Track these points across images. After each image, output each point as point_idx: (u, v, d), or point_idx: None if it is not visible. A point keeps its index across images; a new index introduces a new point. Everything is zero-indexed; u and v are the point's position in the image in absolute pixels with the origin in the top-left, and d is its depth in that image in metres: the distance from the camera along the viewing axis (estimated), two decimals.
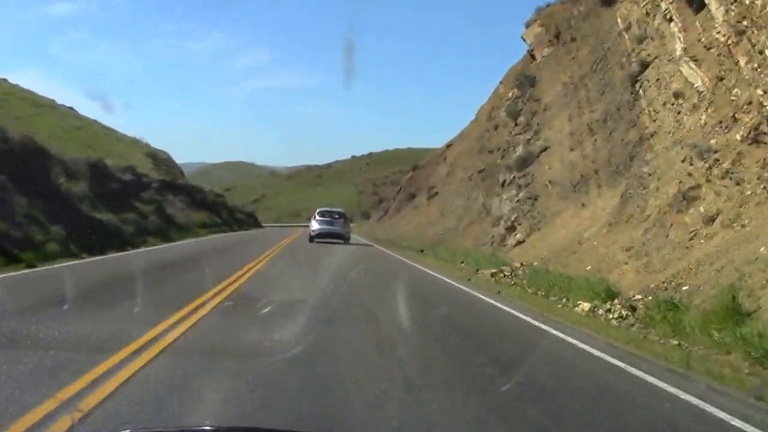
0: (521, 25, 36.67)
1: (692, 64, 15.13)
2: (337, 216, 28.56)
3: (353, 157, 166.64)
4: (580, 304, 10.90)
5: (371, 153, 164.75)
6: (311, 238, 27.33)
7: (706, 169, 12.64)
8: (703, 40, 14.91)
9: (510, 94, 34.38)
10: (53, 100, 51.93)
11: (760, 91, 11.70)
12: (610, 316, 9.84)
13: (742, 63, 12.62)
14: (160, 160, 65.83)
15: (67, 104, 56.41)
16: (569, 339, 8.06)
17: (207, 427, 2.38)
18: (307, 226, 30.28)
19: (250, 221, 62.55)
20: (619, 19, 22.29)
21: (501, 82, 41.61)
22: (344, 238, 27.75)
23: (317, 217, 27.94)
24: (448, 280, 16.14)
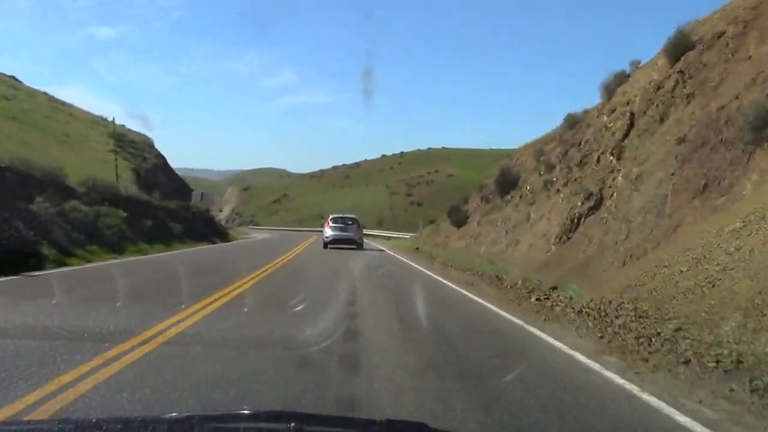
0: None
1: None
2: (350, 222, 28.95)
3: (383, 156, 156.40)
4: None
5: (403, 152, 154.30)
6: (325, 245, 27.85)
7: None
8: None
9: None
10: None
11: None
12: None
13: None
14: (127, 142, 56.63)
15: (9, 72, 49.77)
16: None
17: (245, 412, 2.43)
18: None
19: (209, 231, 52.21)
20: None
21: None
22: (357, 244, 28.38)
23: (330, 224, 28.50)
24: None
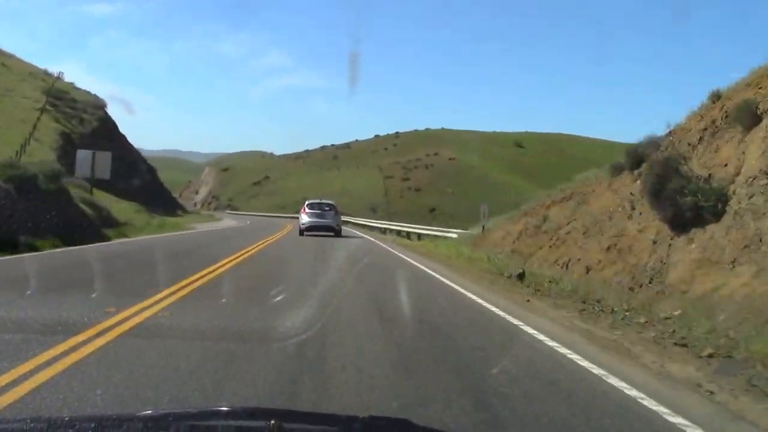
0: None
1: None
2: (327, 208, 27.97)
3: (377, 136, 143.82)
4: None
5: (398, 133, 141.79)
6: (301, 232, 26.97)
7: None
8: None
9: None
10: None
11: None
12: None
13: None
14: (67, 100, 44.73)
15: None
16: None
17: (223, 409, 2.44)
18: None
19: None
20: None
21: None
22: (335, 231, 27.41)
23: (307, 210, 27.43)
24: None
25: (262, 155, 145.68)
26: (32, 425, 1.97)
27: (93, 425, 1.94)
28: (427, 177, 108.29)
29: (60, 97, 44.08)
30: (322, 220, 27.24)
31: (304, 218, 27.19)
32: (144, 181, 50.92)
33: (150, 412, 2.32)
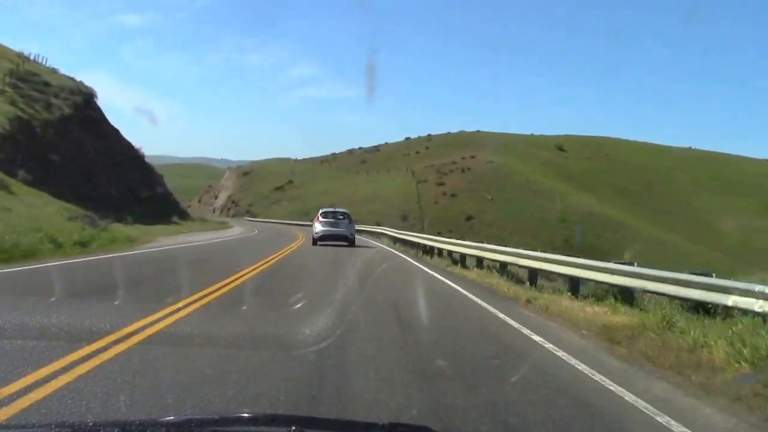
0: None
1: None
2: (341, 217, 27.92)
3: (407, 139, 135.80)
4: None
5: (430, 135, 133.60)
6: (314, 241, 26.75)
7: None
8: None
9: None
10: None
11: None
12: None
13: None
14: (36, 82, 37.70)
15: None
16: None
17: (244, 415, 2.45)
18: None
19: None
20: None
21: None
22: (349, 241, 27.13)
23: (320, 219, 27.31)
24: None
25: (286, 159, 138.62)
26: (57, 430, 2.02)
27: (117, 430, 1.97)
28: (463, 182, 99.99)
29: (26, 79, 37.03)
30: (336, 230, 26.95)
31: (318, 227, 26.94)
32: (132, 182, 43.65)
33: (172, 417, 2.37)
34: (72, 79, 44.81)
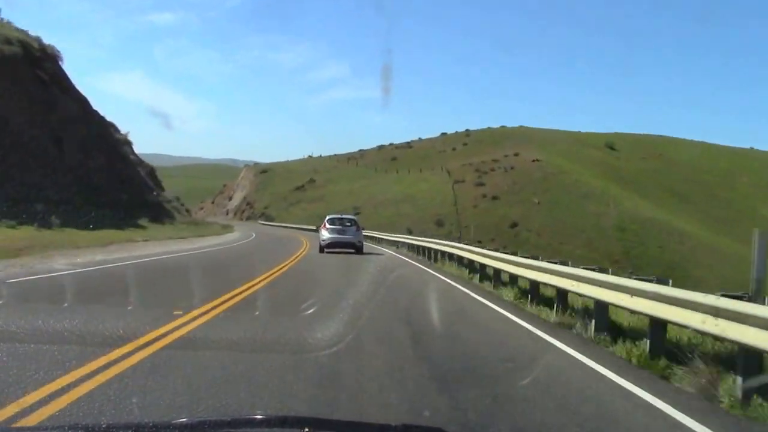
0: None
1: None
2: (348, 224, 27.52)
3: (443, 135, 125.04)
4: None
5: (468, 131, 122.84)
6: (321, 249, 26.43)
7: None
8: None
9: None
10: None
11: None
12: None
13: None
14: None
15: None
16: None
17: (257, 416, 2.51)
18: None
19: None
20: None
21: None
22: (356, 248, 26.71)
23: (327, 226, 27.00)
24: None
25: (308, 157, 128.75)
26: None
27: None
28: (506, 182, 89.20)
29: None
30: (343, 237, 26.61)
31: (325, 234, 26.59)
32: (93, 174, 33.93)
33: (185, 419, 2.39)
34: (23, 32, 35.08)
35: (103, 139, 39.79)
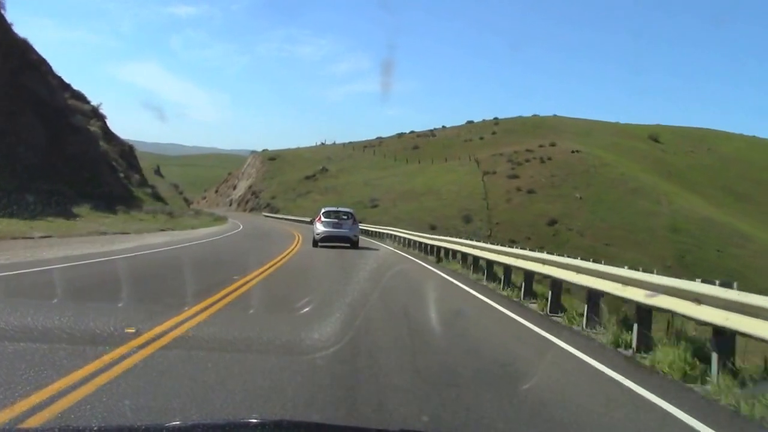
0: None
1: None
2: (345, 217, 26.68)
3: (469, 123, 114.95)
4: None
5: (497, 119, 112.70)
6: (315, 243, 25.42)
7: None
8: None
9: None
10: None
11: None
12: None
13: None
14: None
15: None
16: None
17: (252, 420, 2.47)
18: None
19: None
20: None
21: None
22: (352, 242, 25.78)
23: (322, 219, 26.13)
24: None
25: (321, 145, 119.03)
26: None
27: None
28: (543, 175, 79.21)
29: None
30: (338, 230, 25.62)
31: (319, 228, 25.60)
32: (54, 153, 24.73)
33: (178, 423, 2.40)
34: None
35: (44, 107, 30.41)
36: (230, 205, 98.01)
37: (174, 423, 2.28)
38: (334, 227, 25.40)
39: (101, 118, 43.37)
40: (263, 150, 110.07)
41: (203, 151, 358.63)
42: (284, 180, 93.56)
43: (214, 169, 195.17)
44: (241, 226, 38.98)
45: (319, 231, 25.20)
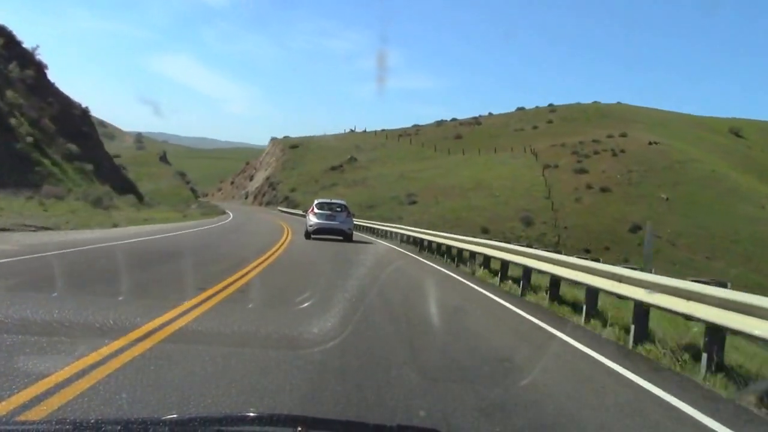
0: None
1: None
2: (338, 209, 25.93)
3: (520, 110, 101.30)
4: None
5: (553, 105, 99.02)
6: (308, 235, 24.83)
7: None
8: None
9: None
10: None
11: None
12: None
13: None
14: None
15: None
16: None
17: (249, 414, 2.47)
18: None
19: None
20: None
21: None
22: (346, 235, 25.29)
23: (316, 211, 25.57)
24: None
25: (349, 132, 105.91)
26: (57, 427, 2.00)
27: (119, 428, 1.95)
28: (616, 170, 65.76)
29: None
30: (331, 223, 24.98)
31: (313, 219, 25.04)
32: None
33: (175, 416, 2.33)
34: None
35: None
36: (245, 198, 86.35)
37: (171, 416, 2.19)
38: (327, 219, 24.87)
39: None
40: (284, 137, 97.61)
41: (234, 146, 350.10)
42: (306, 171, 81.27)
43: (240, 163, 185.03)
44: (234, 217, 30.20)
45: (311, 223, 24.78)
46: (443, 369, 5.47)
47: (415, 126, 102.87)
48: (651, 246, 16.65)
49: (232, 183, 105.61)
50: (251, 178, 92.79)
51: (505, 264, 13.11)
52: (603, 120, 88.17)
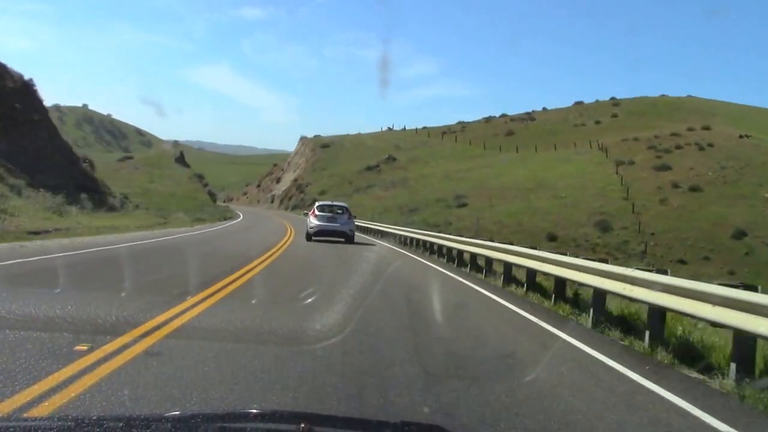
0: None
1: None
2: (339, 211, 26.17)
3: (578, 104, 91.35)
4: None
5: (616, 99, 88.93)
6: (309, 236, 25.09)
7: None
8: None
9: None
10: None
11: None
12: None
13: None
14: None
15: None
16: None
17: (252, 411, 2.41)
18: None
19: None
20: None
21: None
22: (347, 237, 25.41)
23: (317, 212, 25.82)
24: None
25: (386, 131, 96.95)
26: (60, 423, 1.96)
27: (121, 425, 1.93)
28: (706, 166, 55.60)
29: None
30: (333, 225, 25.10)
31: (314, 222, 25.17)
32: None
33: (178, 412, 2.36)
34: None
35: None
36: (271, 201, 78.17)
37: (173, 413, 2.21)
38: (328, 221, 24.93)
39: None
40: (315, 136, 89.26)
41: (271, 152, 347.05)
42: (338, 171, 72.69)
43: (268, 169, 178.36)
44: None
45: (312, 225, 24.88)
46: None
47: (459, 123, 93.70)
48: None
49: (259, 186, 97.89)
50: (278, 181, 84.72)
51: None
52: (676, 113, 77.92)
